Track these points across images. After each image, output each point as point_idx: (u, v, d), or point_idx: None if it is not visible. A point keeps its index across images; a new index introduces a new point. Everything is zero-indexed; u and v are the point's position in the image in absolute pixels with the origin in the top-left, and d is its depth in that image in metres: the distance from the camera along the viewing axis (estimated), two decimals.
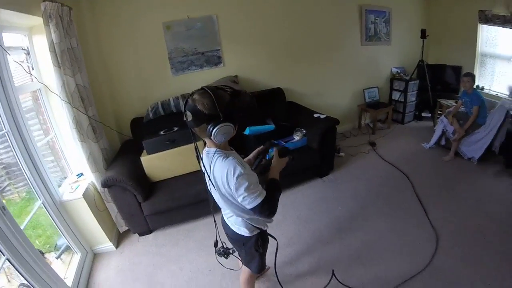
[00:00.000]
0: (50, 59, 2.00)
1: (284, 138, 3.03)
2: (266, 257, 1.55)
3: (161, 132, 2.70)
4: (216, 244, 1.48)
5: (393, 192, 2.88)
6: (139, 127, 2.96)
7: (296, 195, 2.94)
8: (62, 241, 2.22)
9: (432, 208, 2.58)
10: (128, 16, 2.85)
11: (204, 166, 1.18)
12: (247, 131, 2.90)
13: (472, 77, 3.31)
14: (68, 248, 2.22)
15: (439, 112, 4.44)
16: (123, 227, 2.51)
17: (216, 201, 1.32)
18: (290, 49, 3.70)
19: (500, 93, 4.13)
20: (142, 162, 2.52)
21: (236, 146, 2.80)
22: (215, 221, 1.41)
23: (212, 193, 1.27)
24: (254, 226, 1.34)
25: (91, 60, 2.62)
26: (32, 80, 2.17)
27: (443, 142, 3.69)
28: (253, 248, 1.39)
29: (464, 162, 3.36)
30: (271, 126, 3.03)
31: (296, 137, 3.01)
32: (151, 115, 2.96)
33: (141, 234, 2.53)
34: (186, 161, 2.64)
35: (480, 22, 4.12)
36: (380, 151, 3.77)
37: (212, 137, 1.07)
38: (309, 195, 2.94)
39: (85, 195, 2.15)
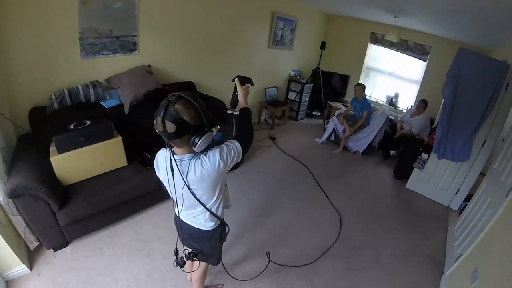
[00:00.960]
0: None
1: None
2: None
3: (72, 126, 2.43)
4: (176, 253, 1.53)
5: (297, 181, 3.63)
6: (41, 119, 2.54)
7: None
8: None
9: (331, 191, 3.46)
10: None
11: (180, 173, 1.21)
12: None
13: (363, 86, 4.40)
14: None
15: (329, 111, 5.56)
16: (33, 243, 2.20)
17: (185, 205, 1.40)
18: (204, 43, 3.87)
19: (379, 100, 5.60)
20: (53, 162, 2.24)
21: (151, 140, 2.73)
22: (178, 229, 1.54)
23: (183, 198, 1.33)
24: (217, 217, 1.45)
25: None
26: None
27: (333, 138, 4.78)
28: (217, 241, 1.55)
29: (351, 154, 4.51)
30: None
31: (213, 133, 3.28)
32: (56, 105, 2.56)
33: (56, 249, 2.28)
34: (102, 160, 2.52)
35: (370, 42, 5.36)
36: (280, 145, 4.50)
37: (196, 147, 1.13)
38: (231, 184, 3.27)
39: None
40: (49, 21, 2.52)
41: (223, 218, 1.53)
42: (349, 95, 5.76)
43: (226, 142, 1.29)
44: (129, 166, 2.68)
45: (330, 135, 4.77)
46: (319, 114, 5.82)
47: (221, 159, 1.21)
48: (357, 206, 3.30)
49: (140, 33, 3.13)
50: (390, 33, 4.37)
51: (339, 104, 5.50)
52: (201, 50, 3.84)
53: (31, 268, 2.11)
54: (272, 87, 5.16)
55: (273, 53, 4.91)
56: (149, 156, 2.89)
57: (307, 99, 5.55)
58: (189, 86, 3.68)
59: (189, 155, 1.22)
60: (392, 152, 4.52)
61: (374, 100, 5.66)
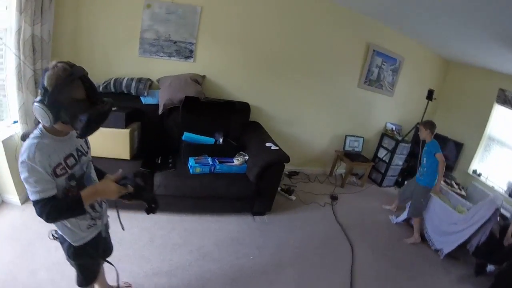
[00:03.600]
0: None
1: (223, 158, 3.16)
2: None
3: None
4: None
5: (325, 261, 2.84)
6: None
7: (215, 224, 2.97)
8: None
9: None
10: None
11: None
12: (184, 136, 3.12)
13: (427, 125, 3.44)
14: None
15: None
16: None
17: None
18: (274, 64, 3.87)
19: (497, 186, 4.28)
20: None
21: (173, 147, 3.14)
22: None
23: None
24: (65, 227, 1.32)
25: (63, 14, 2.91)
26: None
27: (412, 221, 3.71)
28: (66, 252, 1.41)
29: (429, 252, 3.35)
30: (210, 139, 3.22)
31: (236, 161, 3.14)
32: (101, 88, 3.19)
33: None
34: (107, 145, 2.82)
35: (497, 102, 4.32)
36: (338, 208, 3.84)
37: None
38: (229, 230, 2.94)
39: (6, 142, 2.46)
40: (118, 18, 3.20)
41: (71, 240, 1.36)
42: (460, 171, 4.61)
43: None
44: (130, 161, 2.91)
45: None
46: None
47: (21, 163, 1.09)
48: None
49: (198, 41, 3.49)
50: None
51: None
52: (268, 72, 3.88)
53: (22, 202, 2.72)
54: (356, 136, 4.60)
55: (364, 94, 4.45)
56: (159, 162, 3.06)
57: (400, 162, 4.64)
58: (241, 108, 3.69)
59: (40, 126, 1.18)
60: (489, 268, 3.06)
61: (490, 184, 4.29)
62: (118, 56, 3.34)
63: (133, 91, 3.25)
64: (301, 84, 4.08)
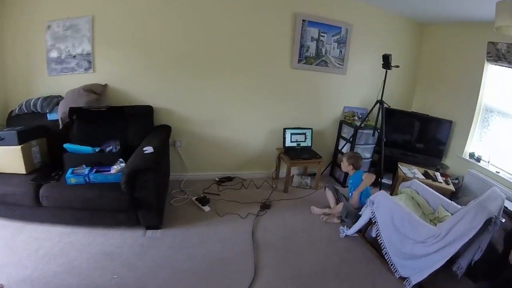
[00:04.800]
0: None
1: (104, 167, 3.06)
2: None
3: (5, 129, 3.24)
4: None
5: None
6: (10, 120, 3.61)
7: (100, 237, 2.88)
8: None
9: None
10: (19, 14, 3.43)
11: None
12: (66, 146, 3.14)
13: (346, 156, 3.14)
14: None
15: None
16: None
17: None
18: (184, 61, 3.65)
19: (502, 170, 3.29)
20: None
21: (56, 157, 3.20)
22: None
23: None
24: None
25: None
26: None
27: (373, 233, 2.90)
28: None
29: (391, 280, 2.53)
30: (88, 149, 3.14)
31: (113, 170, 3.00)
32: (17, 110, 3.57)
33: None
34: (6, 161, 3.09)
35: (488, 60, 3.16)
36: (267, 220, 3.26)
37: None
38: (110, 244, 2.80)
39: None
40: (26, 44, 3.51)
41: None
42: (453, 157, 3.57)
43: None
44: (27, 175, 3.10)
45: (368, 227, 2.92)
46: (390, 182, 3.58)
47: None
48: None
49: (95, 51, 3.54)
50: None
51: (416, 170, 3.22)
52: (178, 71, 3.68)
53: None
54: (300, 128, 3.86)
55: (302, 76, 3.74)
56: (53, 175, 3.18)
57: (368, 154, 3.61)
58: (143, 112, 3.62)
59: None
60: None
61: (493, 170, 3.21)
62: (33, 79, 3.66)
63: (39, 109, 3.50)
64: (222, 78, 3.72)
